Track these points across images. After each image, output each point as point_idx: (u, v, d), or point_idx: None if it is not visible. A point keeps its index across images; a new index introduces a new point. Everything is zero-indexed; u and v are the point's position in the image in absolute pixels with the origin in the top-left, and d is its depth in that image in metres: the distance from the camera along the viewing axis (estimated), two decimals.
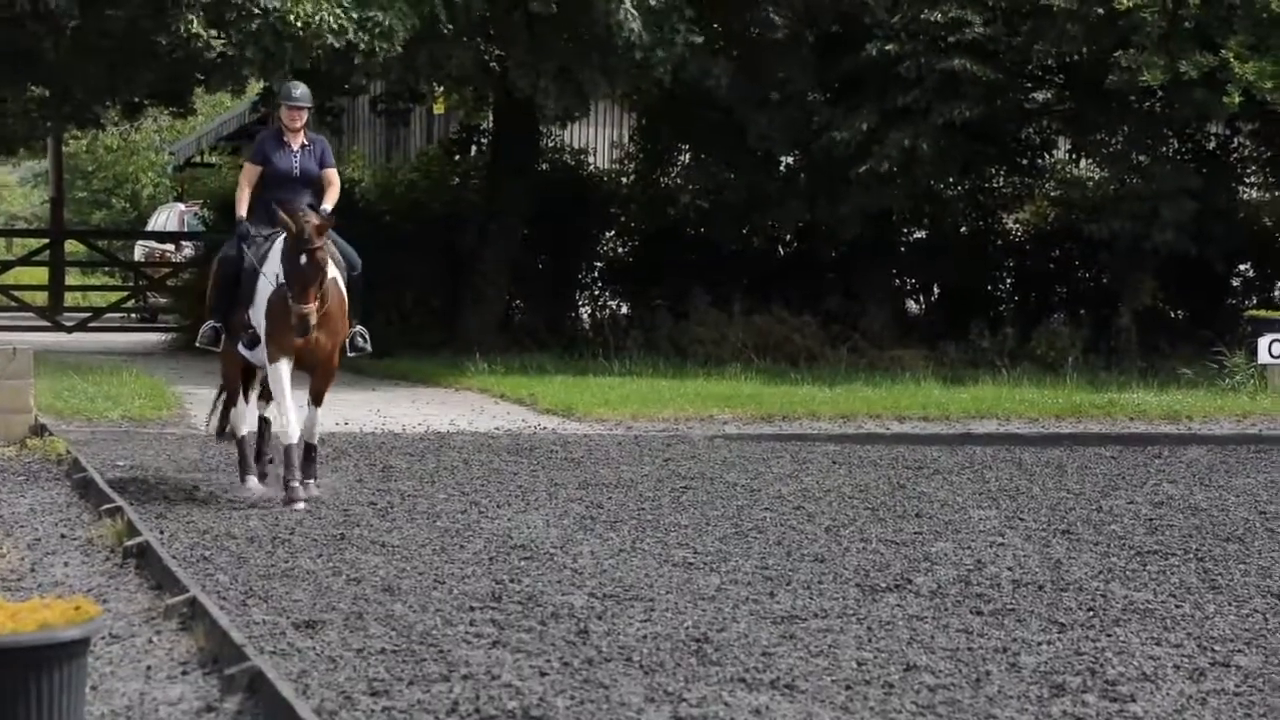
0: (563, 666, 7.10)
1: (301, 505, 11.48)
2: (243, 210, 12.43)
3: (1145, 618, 8.48)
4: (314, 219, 11.51)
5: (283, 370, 11.93)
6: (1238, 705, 6.73)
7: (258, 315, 11.92)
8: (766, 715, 6.41)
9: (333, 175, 12.51)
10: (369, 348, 12.85)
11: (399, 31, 19.97)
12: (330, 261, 11.73)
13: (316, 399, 12.23)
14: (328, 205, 12.04)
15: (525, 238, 25.87)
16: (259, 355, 12.23)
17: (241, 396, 12.66)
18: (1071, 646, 7.76)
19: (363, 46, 20.00)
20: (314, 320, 11.32)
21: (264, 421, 12.72)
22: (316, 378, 12.24)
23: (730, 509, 11.89)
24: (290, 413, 12.03)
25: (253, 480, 12.38)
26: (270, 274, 11.78)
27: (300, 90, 12.57)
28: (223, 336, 12.34)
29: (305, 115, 12.48)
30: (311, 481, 12.01)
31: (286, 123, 12.42)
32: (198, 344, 12.98)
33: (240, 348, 12.31)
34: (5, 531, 10.44)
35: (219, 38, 19.60)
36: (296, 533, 10.55)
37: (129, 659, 7.24)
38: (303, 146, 12.31)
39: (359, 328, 12.51)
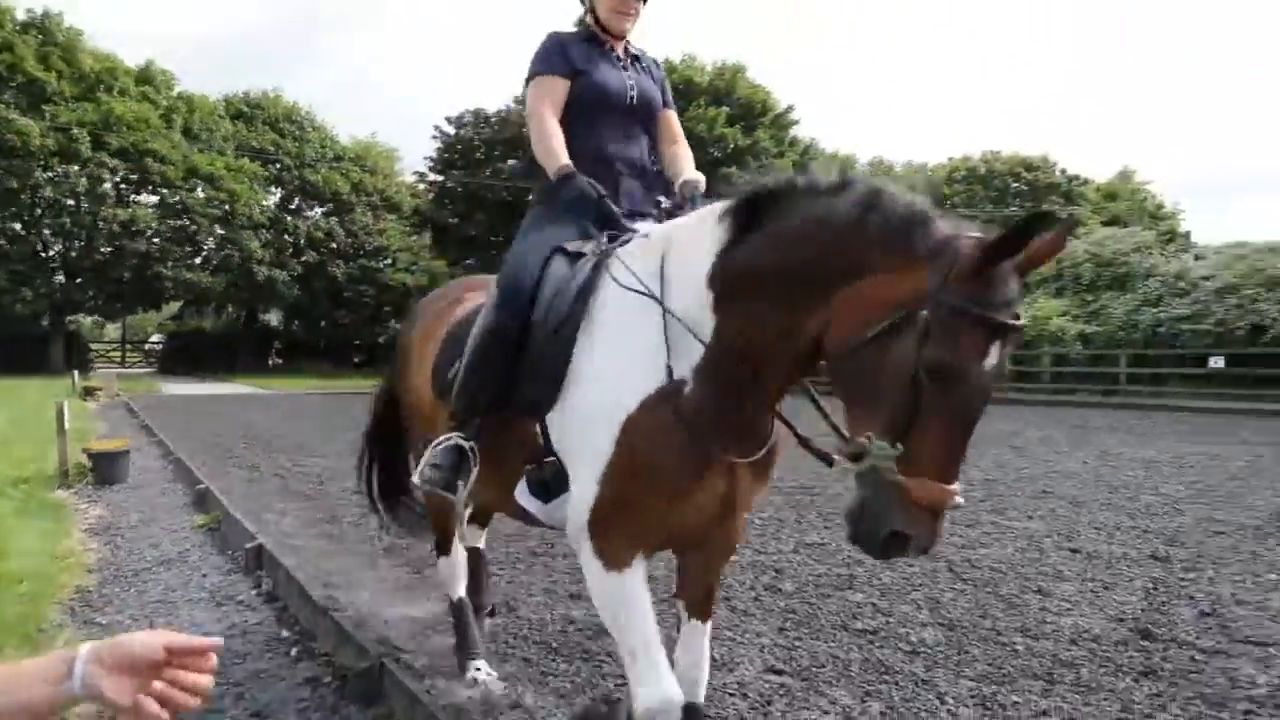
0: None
1: None
2: (563, 154, 3.23)
3: None
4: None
5: (637, 584, 2.70)
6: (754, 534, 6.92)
7: (586, 438, 2.72)
8: None
9: (675, 122, 3.62)
10: None
11: None
12: None
13: (700, 610, 3.04)
14: (689, 174, 3.43)
15: None
16: (555, 511, 2.87)
17: (455, 539, 4.12)
18: None
19: None
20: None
21: (477, 555, 4.50)
22: (706, 564, 3.02)
23: None
24: (661, 665, 2.68)
25: (477, 665, 4.05)
26: (650, 352, 2.70)
27: None
28: (475, 469, 3.00)
29: (641, 7, 3.47)
30: None
31: (610, 21, 3.44)
32: (420, 483, 3.06)
33: (521, 494, 2.95)
34: (111, 426, 12.59)
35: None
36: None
37: (151, 477, 8.66)
38: (634, 60, 3.55)
39: None
